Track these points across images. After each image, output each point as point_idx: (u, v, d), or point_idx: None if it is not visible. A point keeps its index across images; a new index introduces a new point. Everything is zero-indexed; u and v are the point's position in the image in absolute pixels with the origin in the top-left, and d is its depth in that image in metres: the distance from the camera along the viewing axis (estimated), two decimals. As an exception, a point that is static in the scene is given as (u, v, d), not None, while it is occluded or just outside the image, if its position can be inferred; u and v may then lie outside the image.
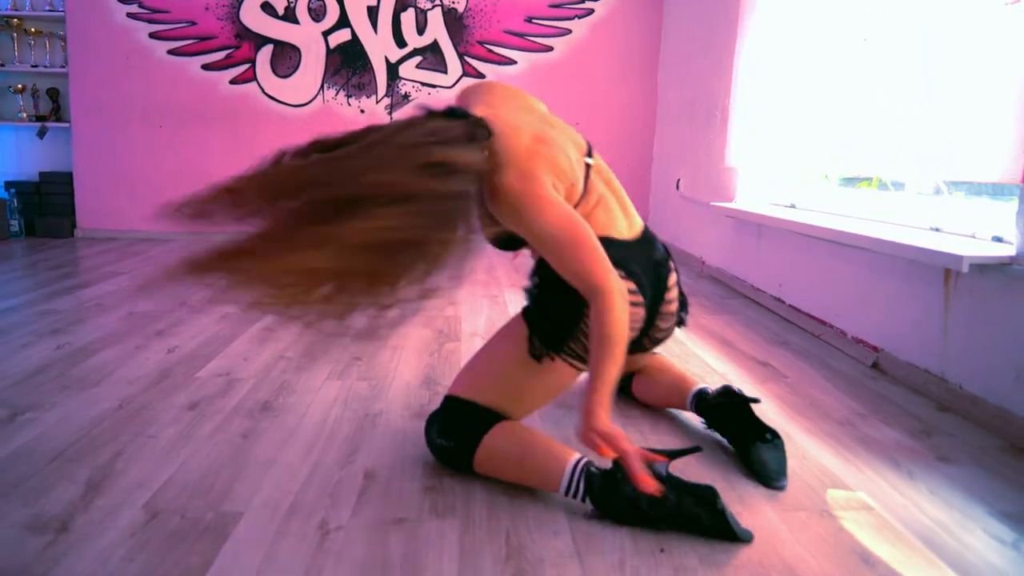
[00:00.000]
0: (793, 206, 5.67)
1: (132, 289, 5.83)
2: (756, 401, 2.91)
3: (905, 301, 3.88)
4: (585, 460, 2.42)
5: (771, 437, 2.79)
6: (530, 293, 2.73)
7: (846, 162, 4.86)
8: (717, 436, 3.01)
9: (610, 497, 2.32)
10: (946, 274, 3.53)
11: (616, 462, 2.32)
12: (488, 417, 2.56)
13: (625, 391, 3.41)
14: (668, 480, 2.29)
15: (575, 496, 2.38)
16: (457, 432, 2.57)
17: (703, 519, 2.25)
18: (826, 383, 3.80)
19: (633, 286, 2.58)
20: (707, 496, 2.27)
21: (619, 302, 2.33)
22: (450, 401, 2.64)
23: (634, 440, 2.65)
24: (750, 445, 2.80)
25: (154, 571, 2.02)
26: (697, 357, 4.20)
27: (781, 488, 2.63)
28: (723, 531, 2.24)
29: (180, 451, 2.83)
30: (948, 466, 2.83)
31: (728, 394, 2.96)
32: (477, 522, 2.34)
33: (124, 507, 2.38)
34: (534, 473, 2.47)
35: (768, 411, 3.36)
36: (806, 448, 2.96)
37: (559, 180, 2.51)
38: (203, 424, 3.11)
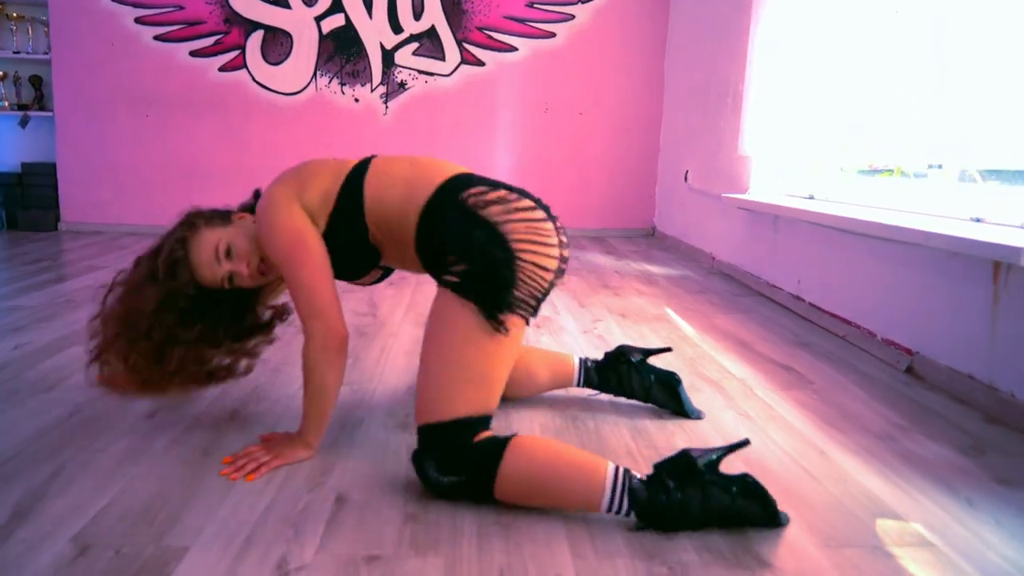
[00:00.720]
0: (811, 197, 5.36)
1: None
2: (668, 350, 3.29)
3: (945, 298, 3.53)
4: (623, 470, 2.20)
5: (679, 378, 3.11)
6: (456, 273, 2.40)
7: (869, 149, 4.60)
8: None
9: (656, 506, 2.12)
10: (995, 268, 3.18)
11: (657, 466, 2.19)
12: (482, 427, 2.31)
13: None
14: (719, 478, 2.16)
15: (618, 513, 2.16)
16: (466, 463, 2.25)
17: (755, 511, 2.16)
18: (857, 390, 3.45)
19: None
20: (755, 488, 2.17)
21: (336, 344, 2.49)
22: (432, 431, 2.31)
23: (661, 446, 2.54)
24: (675, 386, 3.09)
25: (72, 622, 1.67)
26: (712, 359, 3.87)
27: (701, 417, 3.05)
28: (773, 519, 2.17)
29: (128, 469, 2.48)
30: (1010, 490, 2.47)
31: (619, 354, 3.16)
32: (465, 560, 1.97)
33: (49, 540, 2.03)
34: (569, 495, 2.23)
35: (796, 423, 3.03)
36: (846, 469, 2.60)
37: (312, 184, 2.62)
38: (159, 436, 2.75)
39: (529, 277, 2.37)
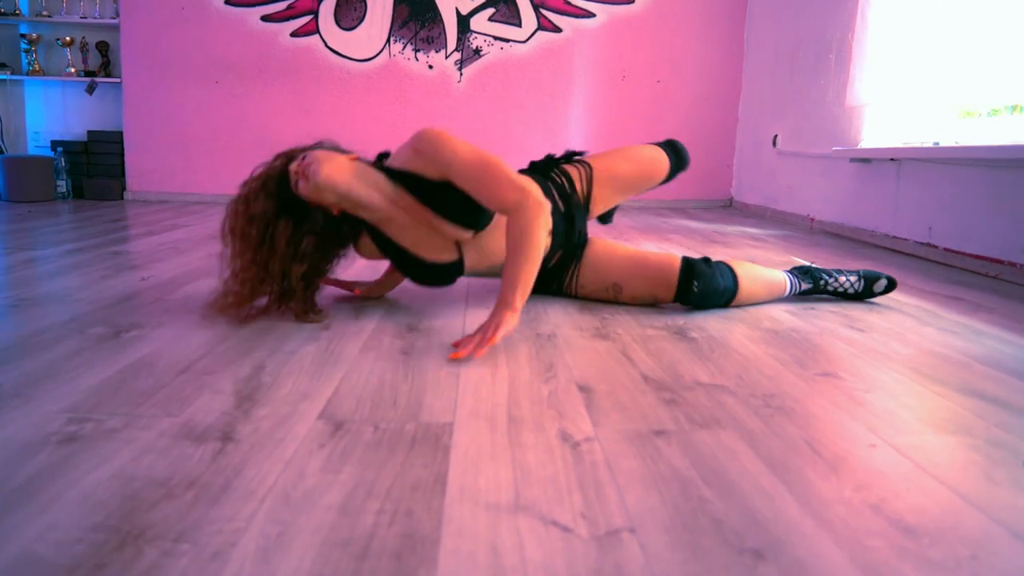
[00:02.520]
0: (937, 144, 5.20)
1: (205, 236, 5.45)
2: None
3: None
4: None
5: None
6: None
7: (994, 90, 4.51)
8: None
9: (814, 275, 3.49)
10: None
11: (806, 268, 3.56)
12: None
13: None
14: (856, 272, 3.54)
15: (795, 293, 3.46)
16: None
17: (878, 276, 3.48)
18: (1048, 315, 3.32)
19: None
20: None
21: (545, 208, 2.71)
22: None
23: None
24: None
25: (375, 483, 1.56)
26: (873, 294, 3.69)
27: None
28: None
29: (334, 365, 2.40)
30: None
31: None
32: (760, 434, 1.86)
33: (294, 417, 1.94)
34: (772, 286, 3.41)
35: (1005, 335, 2.93)
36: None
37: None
38: (346, 343, 2.67)
39: None
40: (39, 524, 1.39)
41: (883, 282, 3.47)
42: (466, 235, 3.01)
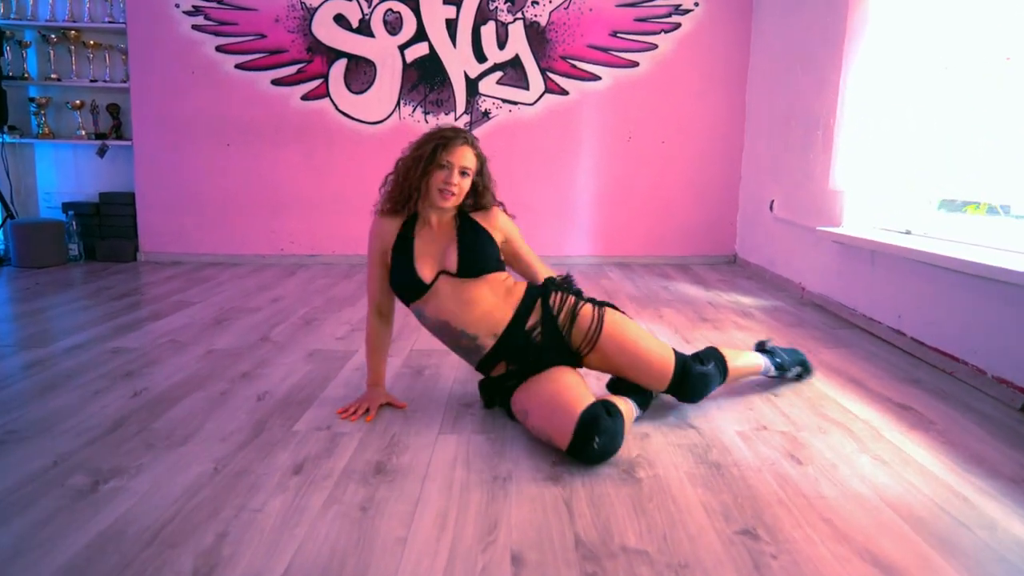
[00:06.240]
0: (908, 232, 5.41)
1: (208, 322, 5.62)
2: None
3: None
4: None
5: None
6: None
7: (959, 186, 4.80)
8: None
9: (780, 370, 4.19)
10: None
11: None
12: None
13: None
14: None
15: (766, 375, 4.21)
16: (706, 357, 3.82)
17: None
18: (978, 430, 3.51)
19: None
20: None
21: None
22: (677, 368, 3.59)
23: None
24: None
25: None
26: (831, 400, 3.92)
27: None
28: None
29: (293, 529, 2.52)
30: None
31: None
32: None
33: None
34: (751, 369, 4.13)
35: (929, 466, 3.10)
36: (992, 515, 2.67)
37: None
38: (312, 493, 2.81)
39: None
40: None
41: (797, 369, 4.23)
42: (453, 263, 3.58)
